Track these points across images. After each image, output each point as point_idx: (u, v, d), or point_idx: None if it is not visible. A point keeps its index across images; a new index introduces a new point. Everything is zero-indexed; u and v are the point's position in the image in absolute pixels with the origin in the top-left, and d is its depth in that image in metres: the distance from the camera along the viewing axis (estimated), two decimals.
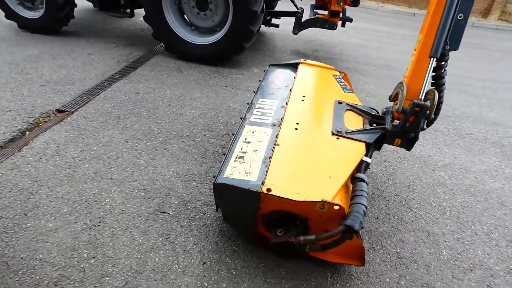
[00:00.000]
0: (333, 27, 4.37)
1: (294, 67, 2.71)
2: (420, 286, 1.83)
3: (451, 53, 1.96)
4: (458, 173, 2.81)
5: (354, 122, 2.10)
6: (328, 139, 1.94)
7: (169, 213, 2.02)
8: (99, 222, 1.91)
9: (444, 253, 2.05)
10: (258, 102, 2.25)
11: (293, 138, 1.91)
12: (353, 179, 1.72)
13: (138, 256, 1.75)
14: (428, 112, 1.86)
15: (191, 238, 1.89)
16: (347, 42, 5.89)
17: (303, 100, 2.25)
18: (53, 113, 2.85)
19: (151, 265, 1.72)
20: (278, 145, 1.82)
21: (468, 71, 5.33)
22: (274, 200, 1.55)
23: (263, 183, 1.58)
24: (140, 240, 1.84)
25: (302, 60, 2.71)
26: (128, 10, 4.22)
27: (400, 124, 1.97)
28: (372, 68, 4.85)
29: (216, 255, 1.81)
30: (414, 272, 1.90)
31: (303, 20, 4.36)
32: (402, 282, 1.83)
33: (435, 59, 1.90)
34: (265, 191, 1.52)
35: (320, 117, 2.12)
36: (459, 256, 2.05)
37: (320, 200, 1.51)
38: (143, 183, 2.22)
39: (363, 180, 1.70)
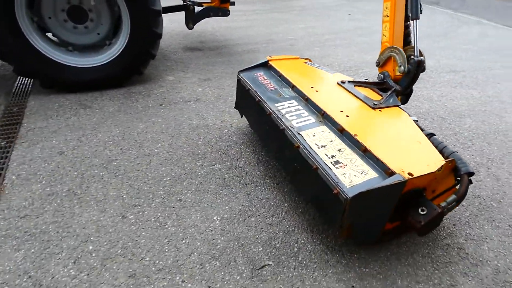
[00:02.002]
0: (226, 13, 4.19)
1: (265, 66, 2.56)
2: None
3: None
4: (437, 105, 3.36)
5: (370, 93, 2.18)
6: (376, 114, 1.96)
7: (269, 264, 1.62)
8: None
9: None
10: (280, 108, 2.05)
11: (356, 124, 1.84)
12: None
13: None
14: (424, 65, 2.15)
15: (315, 274, 1.59)
16: (219, 27, 5.79)
17: (317, 91, 2.16)
18: None
19: None
20: (356, 135, 1.71)
21: (319, 29, 6.23)
22: (412, 183, 1.48)
23: (391, 173, 1.48)
24: None
25: (269, 58, 2.57)
26: None
27: (407, 82, 2.17)
28: (262, 45, 5.00)
29: (358, 275, 1.61)
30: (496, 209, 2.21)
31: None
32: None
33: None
34: (409, 177, 1.43)
35: (347, 100, 2.10)
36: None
37: (444, 162, 1.55)
38: (203, 251, 1.67)
39: (434, 134, 1.84)
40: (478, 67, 4.71)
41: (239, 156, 2.42)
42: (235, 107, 2.67)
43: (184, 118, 2.86)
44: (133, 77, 3.38)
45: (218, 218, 1.87)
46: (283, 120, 1.93)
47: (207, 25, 5.70)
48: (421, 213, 1.55)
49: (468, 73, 4.43)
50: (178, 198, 1.99)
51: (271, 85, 2.31)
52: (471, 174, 1.61)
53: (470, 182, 1.64)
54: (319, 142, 1.74)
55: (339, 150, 1.68)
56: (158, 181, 2.12)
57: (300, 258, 1.67)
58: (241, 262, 1.63)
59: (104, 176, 2.13)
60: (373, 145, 1.64)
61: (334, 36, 5.80)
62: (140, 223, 1.80)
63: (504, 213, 2.07)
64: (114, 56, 3.14)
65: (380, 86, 2.27)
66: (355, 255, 1.71)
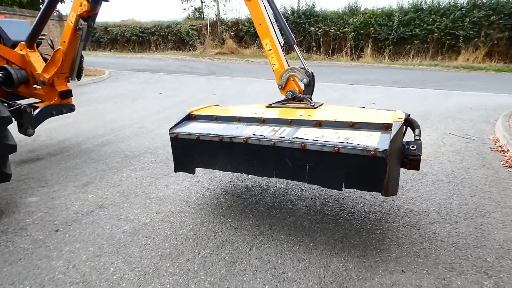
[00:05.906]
0: (71, 108, 3.56)
1: (191, 118, 2.42)
2: None
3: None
4: None
5: (296, 104, 2.52)
6: (320, 109, 2.35)
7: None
8: None
9: None
10: (251, 132, 2.01)
11: (322, 116, 2.09)
12: None
13: None
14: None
15: (368, 283, 1.75)
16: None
17: (262, 114, 2.27)
18: None
19: None
20: (335, 119, 1.96)
21: (150, 109, 6.36)
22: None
23: (387, 125, 1.80)
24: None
25: (188, 110, 2.46)
26: None
27: (310, 90, 2.62)
28: (112, 135, 4.57)
29: (377, 265, 1.88)
30: None
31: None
32: None
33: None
34: (401, 121, 1.78)
35: (291, 110, 2.38)
36: None
37: (400, 111, 2.04)
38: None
39: (364, 106, 2.47)
40: None
41: (212, 233, 2.19)
42: (176, 170, 2.32)
43: (109, 230, 2.26)
44: None
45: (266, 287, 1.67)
46: (266, 137, 1.89)
47: (13, 131, 4.58)
48: (413, 149, 1.89)
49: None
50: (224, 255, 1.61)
51: (216, 126, 2.20)
52: (409, 115, 2.16)
53: None
54: (315, 136, 1.83)
55: (336, 133, 1.84)
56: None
57: (354, 276, 1.77)
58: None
59: None
60: (352, 119, 1.90)
61: (172, 110, 6.07)
62: None
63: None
64: None
65: (294, 100, 2.62)
66: (370, 254, 1.99)
